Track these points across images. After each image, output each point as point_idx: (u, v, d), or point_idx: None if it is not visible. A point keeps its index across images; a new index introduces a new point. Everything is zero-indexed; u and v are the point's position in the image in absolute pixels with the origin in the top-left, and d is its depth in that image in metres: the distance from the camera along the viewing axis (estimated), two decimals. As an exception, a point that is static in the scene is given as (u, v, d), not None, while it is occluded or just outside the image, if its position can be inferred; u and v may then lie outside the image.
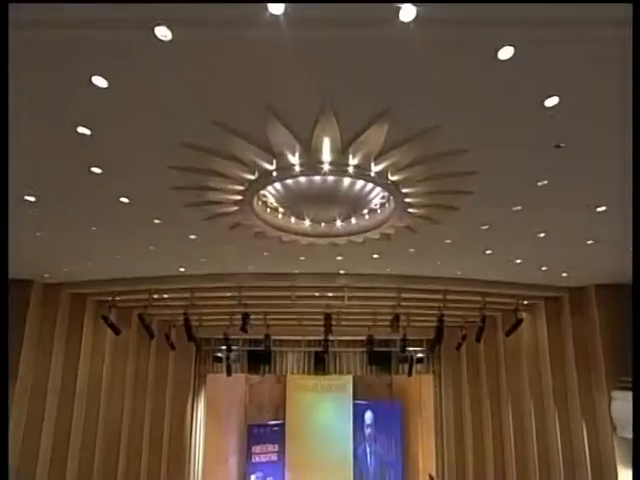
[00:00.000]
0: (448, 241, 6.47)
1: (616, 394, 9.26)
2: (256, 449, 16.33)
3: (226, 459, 15.62)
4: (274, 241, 6.16)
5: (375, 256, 7.24)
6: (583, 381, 9.82)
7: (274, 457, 16.51)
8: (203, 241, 6.49)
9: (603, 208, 5.13)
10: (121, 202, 5.00)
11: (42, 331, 9.62)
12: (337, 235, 5.78)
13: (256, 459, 16.19)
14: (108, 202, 5.02)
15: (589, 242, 6.45)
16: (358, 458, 16.67)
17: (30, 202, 4.92)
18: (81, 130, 3.53)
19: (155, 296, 9.82)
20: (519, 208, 5.19)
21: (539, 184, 4.52)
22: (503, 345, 11.80)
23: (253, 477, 13.79)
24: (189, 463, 12.50)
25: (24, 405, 9.26)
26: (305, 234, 5.76)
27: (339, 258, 7.40)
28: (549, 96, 3.12)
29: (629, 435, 8.91)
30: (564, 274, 8.81)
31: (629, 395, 8.75)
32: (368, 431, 16.62)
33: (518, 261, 7.65)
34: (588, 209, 5.19)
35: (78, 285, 9.70)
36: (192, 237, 6.32)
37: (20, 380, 9.13)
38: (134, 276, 9.06)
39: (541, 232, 6.09)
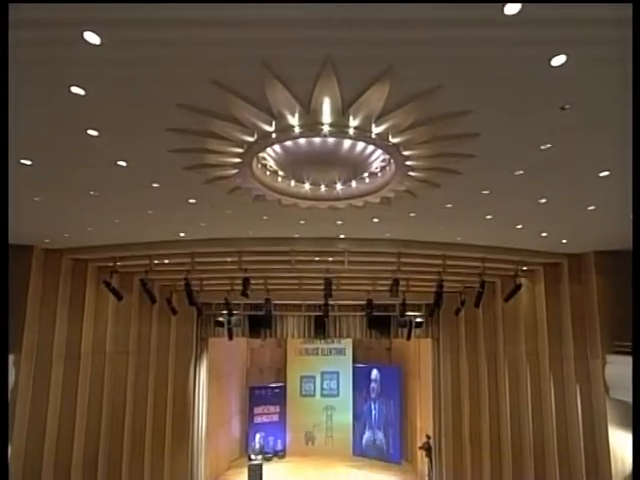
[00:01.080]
0: (449, 206, 6.44)
1: (611, 358, 9.45)
2: (258, 410, 16.75)
3: (229, 420, 16.07)
4: (274, 205, 6.13)
5: (375, 220, 7.22)
6: (579, 345, 10.01)
7: (275, 418, 16.95)
8: (202, 205, 6.46)
9: (606, 173, 5.08)
10: (119, 165, 4.94)
11: (45, 297, 9.74)
12: (337, 199, 5.75)
13: (258, 420, 16.62)
14: (106, 166, 4.97)
15: (590, 208, 6.42)
16: (357, 419, 17.11)
17: (26, 165, 4.87)
18: (75, 90, 3.45)
19: (156, 261, 9.85)
20: (521, 172, 5.14)
21: (542, 147, 4.46)
22: (501, 310, 11.95)
23: (256, 436, 14.17)
24: (193, 424, 12.85)
25: (30, 370, 9.45)
26: (305, 198, 5.73)
27: (339, 222, 7.38)
28: (556, 55, 3.02)
29: (621, 396, 9.15)
30: (564, 241, 8.82)
31: (623, 359, 8.93)
32: (367, 393, 16.97)
33: (518, 227, 7.64)
34: (591, 174, 5.14)
35: (79, 251, 9.73)
36: (191, 201, 6.29)
37: (25, 346, 9.30)
38: (134, 242, 9.06)
39: (542, 198, 6.06)
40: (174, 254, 9.59)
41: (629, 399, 8.94)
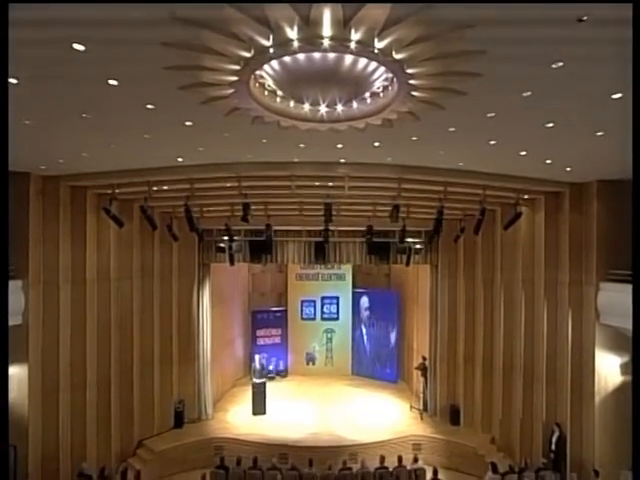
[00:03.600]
0: (452, 129, 6.26)
1: (604, 285, 9.65)
2: (260, 333, 17.39)
3: (232, 342, 16.72)
4: (272, 127, 5.96)
5: (376, 144, 7.06)
6: (574, 273, 10.18)
7: (277, 340, 17.64)
8: (199, 128, 6.28)
9: (619, 95, 4.87)
10: (110, 85, 4.73)
11: (46, 223, 9.77)
12: (338, 120, 5.57)
13: (260, 342, 17.30)
14: (96, 85, 4.74)
15: (599, 134, 6.24)
16: (356, 341, 17.80)
17: (12, 85, 4.66)
18: (59, -3, 3.22)
19: (155, 188, 9.77)
20: (529, 94, 4.93)
21: (554, 66, 4.24)
22: (500, 238, 12.04)
23: (258, 357, 14.80)
24: (198, 345, 13.41)
25: (39, 294, 9.69)
26: (304, 119, 5.55)
27: (339, 146, 7.22)
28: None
29: (610, 322, 9.47)
30: (568, 168, 8.67)
31: (616, 286, 9.12)
32: (366, 316, 17.53)
33: (522, 153, 7.47)
34: (603, 95, 4.93)
35: (76, 178, 9.62)
36: (188, 124, 6.11)
37: (32, 270, 9.46)
38: (132, 168, 8.93)
39: (549, 122, 5.87)
40: (173, 180, 9.49)
41: (618, 324, 9.26)
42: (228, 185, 9.60)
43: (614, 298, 9.12)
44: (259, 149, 7.49)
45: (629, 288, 7.91)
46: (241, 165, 8.60)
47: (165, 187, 9.88)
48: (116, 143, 7.14)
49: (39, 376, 9.66)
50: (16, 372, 9.39)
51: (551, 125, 5.95)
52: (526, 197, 10.54)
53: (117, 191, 9.62)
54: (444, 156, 7.93)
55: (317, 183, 9.40)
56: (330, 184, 9.43)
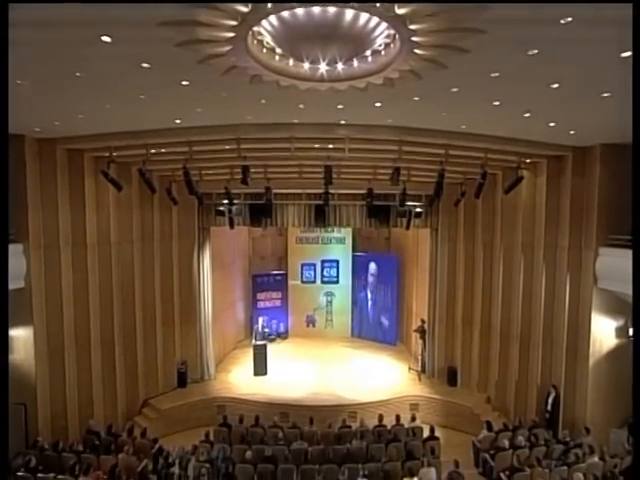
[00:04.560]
0: (455, 90, 6.11)
1: (603, 250, 9.66)
2: (260, 296, 17.56)
3: (233, 304, 16.92)
4: (271, 87, 5.82)
5: (377, 104, 6.91)
6: (574, 237, 10.19)
7: (278, 303, 17.82)
8: (196, 88, 6.14)
9: (628, 54, 4.71)
10: (103, 42, 4.58)
11: (44, 187, 9.70)
12: (338, 80, 5.43)
13: (261, 305, 17.49)
14: (89, 42, 4.58)
15: (605, 95, 6.09)
16: (356, 304, 18.00)
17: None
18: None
19: (153, 151, 9.66)
20: (535, 52, 4.76)
21: (562, 22, 4.08)
22: (500, 202, 12.00)
23: (261, 320, 15.02)
24: (199, 308, 13.57)
25: (40, 257, 9.72)
26: (304, 78, 5.41)
27: (340, 107, 7.07)
28: None
29: (607, 286, 9.55)
30: (571, 132, 8.54)
31: (615, 251, 9.14)
32: (366, 280, 17.66)
33: (526, 115, 7.32)
34: (612, 54, 4.76)
35: (72, 140, 9.48)
36: (184, 83, 5.97)
37: (32, 234, 9.47)
38: (129, 130, 8.79)
39: (555, 82, 5.72)
40: (171, 143, 9.38)
41: (615, 289, 9.34)
42: (227, 148, 9.47)
43: (613, 263, 9.16)
44: (258, 110, 7.35)
45: (628, 253, 7.94)
46: (240, 127, 8.46)
47: (163, 150, 9.77)
48: (112, 104, 7.00)
49: (44, 338, 9.82)
50: (22, 334, 9.56)
51: (556, 86, 5.80)
52: (528, 161, 10.43)
53: (115, 154, 9.51)
54: (446, 118, 7.79)
55: (317, 145, 9.27)
56: (330, 146, 9.30)
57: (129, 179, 11.17)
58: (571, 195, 10.12)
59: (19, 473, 8.28)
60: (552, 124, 7.85)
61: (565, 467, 8.53)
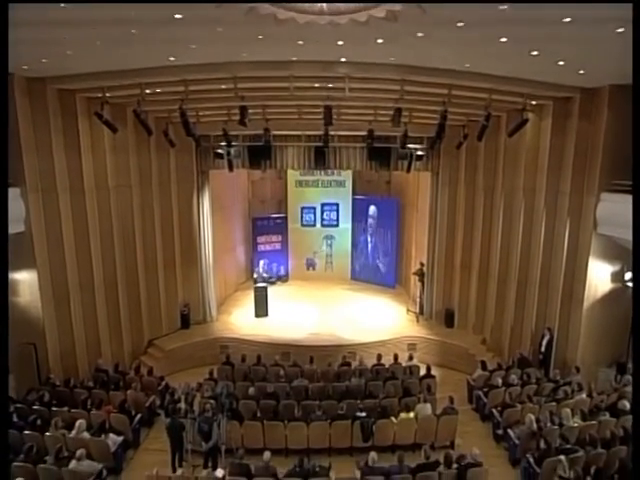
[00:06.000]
0: (460, 24, 5.80)
1: (605, 196, 9.58)
2: (261, 239, 17.63)
3: (234, 248, 17.04)
4: (268, 20, 5.52)
5: (379, 41, 6.60)
6: (576, 182, 10.08)
7: (278, 246, 17.92)
8: (190, 21, 5.83)
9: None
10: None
11: (37, 130, 9.44)
12: (338, 12, 5.15)
13: (261, 248, 17.60)
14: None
15: (619, 30, 5.79)
16: (355, 247, 18.11)
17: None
18: None
19: (147, 91, 9.34)
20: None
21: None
22: (504, 145, 11.77)
23: (260, 263, 15.15)
24: (200, 251, 13.68)
25: (38, 201, 9.64)
26: (302, 11, 5.13)
27: (340, 43, 6.76)
28: None
29: (607, 232, 9.53)
30: (581, 71, 8.18)
31: (617, 197, 9.06)
32: (366, 223, 17.67)
33: (534, 53, 7.00)
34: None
35: (63, 79, 9.14)
36: (177, 16, 5.67)
37: (28, 177, 9.33)
38: (122, 68, 8.45)
39: (567, 16, 5.42)
40: (166, 82, 9.08)
41: (615, 234, 9.34)
42: (224, 87, 9.18)
43: (614, 209, 9.09)
44: (255, 47, 7.02)
45: (630, 199, 7.87)
46: (237, 65, 8.13)
47: (158, 90, 9.46)
48: (102, 40, 6.68)
49: (48, 280, 9.94)
50: (26, 277, 9.68)
51: (568, 20, 5.51)
52: (534, 103, 10.12)
53: (108, 94, 9.21)
54: (450, 56, 7.47)
55: (317, 84, 8.97)
56: (330, 85, 8.99)
57: (124, 121, 10.91)
58: (576, 139, 9.89)
59: (34, 407, 8.68)
60: (561, 63, 7.52)
61: (554, 403, 8.91)
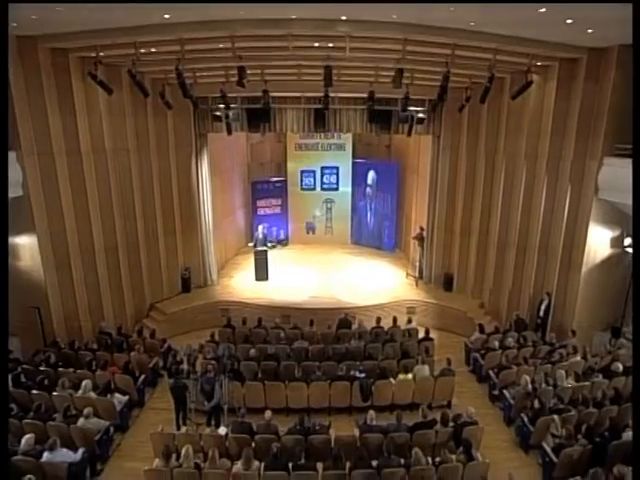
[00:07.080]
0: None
1: (608, 160, 9.47)
2: (260, 203, 17.57)
3: (233, 212, 17.00)
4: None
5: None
6: (579, 146, 9.95)
7: (277, 210, 17.89)
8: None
9: None
10: None
11: (30, 91, 9.20)
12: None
13: (261, 212, 17.57)
14: None
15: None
16: (355, 211, 18.07)
17: None
18: None
19: (142, 50, 9.06)
20: None
21: None
22: (507, 108, 11.57)
23: (260, 227, 15.14)
24: (200, 215, 13.65)
25: (35, 165, 9.51)
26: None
27: (341, -1, 6.54)
28: None
29: (608, 197, 9.51)
30: (589, 30, 7.92)
31: (620, 161, 8.96)
32: (366, 187, 17.56)
33: (542, 10, 6.77)
34: None
35: (55, 38, 8.84)
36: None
37: (24, 143, 9.19)
38: (115, 26, 8.18)
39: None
40: (162, 41, 8.80)
41: (616, 200, 9.31)
42: (221, 46, 8.93)
43: (616, 173, 9.01)
44: (252, 3, 6.79)
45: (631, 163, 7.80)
46: (234, 23, 7.85)
47: (153, 49, 9.18)
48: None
49: (49, 244, 9.95)
50: (26, 242, 9.70)
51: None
52: (539, 64, 9.86)
53: (102, 54, 8.98)
54: (454, 13, 7.20)
55: (316, 44, 8.71)
56: (330, 45, 8.73)
57: (119, 83, 10.67)
58: (581, 101, 9.69)
59: (41, 368, 8.88)
60: (569, 21, 7.27)
61: (549, 365, 9.10)
